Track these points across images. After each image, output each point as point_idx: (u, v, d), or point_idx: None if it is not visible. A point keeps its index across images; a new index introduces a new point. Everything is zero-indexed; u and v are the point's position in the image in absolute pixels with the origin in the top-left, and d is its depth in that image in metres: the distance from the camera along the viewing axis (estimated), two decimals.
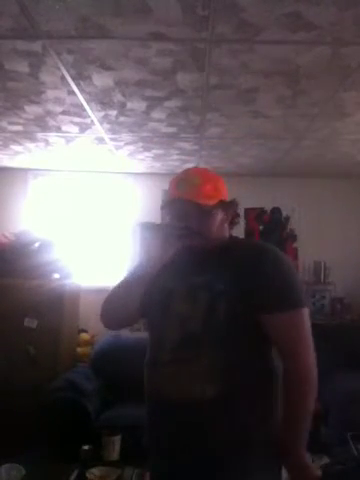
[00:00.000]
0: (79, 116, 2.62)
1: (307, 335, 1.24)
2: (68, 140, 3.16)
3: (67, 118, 2.67)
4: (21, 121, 2.74)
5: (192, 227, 1.28)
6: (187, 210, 1.28)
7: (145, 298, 1.34)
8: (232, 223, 1.41)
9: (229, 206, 1.36)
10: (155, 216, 4.17)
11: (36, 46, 1.79)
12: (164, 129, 2.85)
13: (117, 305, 1.38)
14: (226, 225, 1.38)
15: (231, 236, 1.41)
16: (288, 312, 1.21)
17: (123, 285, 1.37)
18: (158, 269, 1.31)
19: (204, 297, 1.25)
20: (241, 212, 4.17)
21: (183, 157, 3.58)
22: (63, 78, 2.08)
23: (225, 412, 1.20)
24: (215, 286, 1.24)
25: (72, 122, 2.74)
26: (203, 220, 1.30)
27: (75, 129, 2.88)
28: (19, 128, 2.89)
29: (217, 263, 1.30)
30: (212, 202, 1.29)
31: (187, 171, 1.39)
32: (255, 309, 1.22)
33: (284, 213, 4.21)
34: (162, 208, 1.39)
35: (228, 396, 1.20)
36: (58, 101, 2.38)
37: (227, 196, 1.36)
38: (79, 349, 3.65)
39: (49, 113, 2.58)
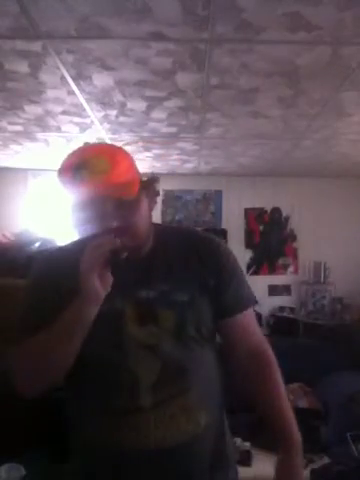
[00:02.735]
0: (79, 116, 2.62)
1: (258, 327, 1.21)
2: (68, 140, 3.16)
3: (67, 118, 2.67)
4: (21, 121, 2.74)
5: (120, 228, 0.95)
6: (105, 210, 0.94)
7: None
8: (152, 208, 1.08)
9: (150, 186, 1.04)
10: (156, 216, 4.21)
11: (36, 46, 1.78)
12: (164, 129, 2.85)
13: (49, 365, 0.98)
14: (149, 214, 1.07)
15: (154, 225, 1.12)
16: (250, 309, 1.16)
17: (58, 337, 0.95)
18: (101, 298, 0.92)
19: (168, 316, 1.02)
20: (241, 212, 4.21)
21: (183, 157, 3.58)
22: (63, 78, 2.08)
23: (215, 431, 1.11)
24: (177, 298, 1.03)
25: (72, 122, 2.74)
26: (129, 217, 0.98)
27: (75, 129, 2.88)
28: (19, 128, 2.89)
29: (163, 264, 1.06)
30: (133, 190, 0.97)
31: (84, 152, 0.97)
32: (221, 314, 1.10)
33: (284, 213, 4.21)
34: (73, 213, 1.03)
35: (215, 416, 1.11)
36: (58, 101, 2.38)
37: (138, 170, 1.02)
38: None
39: (49, 113, 2.58)
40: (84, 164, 0.92)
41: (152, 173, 1.06)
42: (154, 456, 1.00)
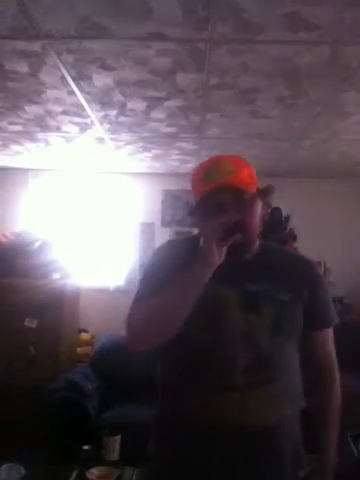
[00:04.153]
0: (79, 116, 2.62)
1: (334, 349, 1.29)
2: (68, 140, 3.16)
3: (67, 118, 2.67)
4: (21, 121, 2.74)
5: (241, 220, 1.06)
6: (229, 200, 1.08)
7: None
8: (264, 216, 1.20)
9: (266, 195, 1.17)
10: (156, 216, 4.21)
11: (36, 46, 1.78)
12: (164, 129, 2.85)
13: (165, 317, 1.07)
14: (260, 219, 1.18)
15: (262, 240, 1.25)
16: (331, 328, 1.26)
17: (176, 291, 1.06)
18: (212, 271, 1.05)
19: (268, 309, 1.12)
20: None
21: (183, 157, 3.58)
22: (63, 78, 2.08)
23: (292, 427, 1.19)
24: (278, 296, 1.13)
25: (72, 122, 2.74)
26: (248, 211, 1.11)
27: (75, 129, 2.88)
28: (19, 128, 2.89)
29: (267, 268, 1.17)
30: (253, 189, 1.12)
31: (214, 161, 1.16)
32: (311, 324, 1.20)
33: (284, 213, 4.21)
34: (191, 214, 1.17)
35: (295, 412, 1.20)
36: (58, 101, 2.38)
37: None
38: (79, 349, 3.65)
39: (49, 113, 2.58)
40: (215, 167, 1.12)
41: (270, 185, 1.17)
42: (242, 434, 1.10)
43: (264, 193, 1.16)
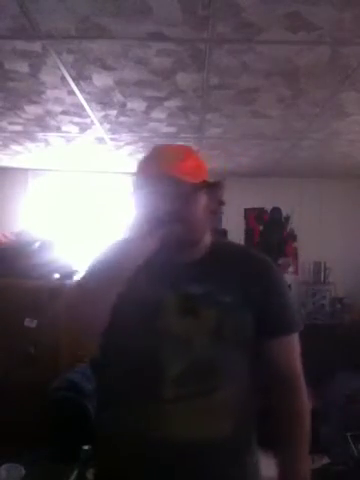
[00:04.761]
0: (79, 116, 2.62)
1: (299, 358, 1.14)
2: (68, 140, 3.16)
3: (67, 118, 2.67)
4: (21, 121, 2.74)
5: (176, 211, 1.00)
6: (167, 189, 1.00)
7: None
8: (213, 213, 1.11)
9: (214, 188, 1.09)
10: None
11: (36, 46, 1.78)
12: (164, 129, 2.85)
13: (99, 296, 0.98)
14: (207, 215, 1.10)
15: (213, 238, 1.16)
16: (291, 335, 1.12)
17: (104, 272, 1.00)
18: (135, 268, 0.98)
19: (209, 312, 1.02)
20: (241, 212, 4.21)
21: None
22: (63, 78, 2.08)
23: (239, 451, 1.05)
24: (221, 298, 1.03)
25: (72, 122, 2.74)
26: (186, 203, 1.03)
27: (75, 129, 2.88)
28: (19, 128, 2.89)
29: (215, 268, 1.08)
30: (194, 181, 1.03)
31: (163, 147, 1.13)
32: (262, 331, 1.07)
33: (284, 213, 4.21)
34: (132, 192, 1.10)
35: (241, 433, 1.06)
36: (58, 101, 2.38)
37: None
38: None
39: (49, 113, 2.58)
40: (162, 153, 1.08)
41: (220, 180, 1.11)
42: (170, 451, 0.98)
43: (209, 186, 1.07)
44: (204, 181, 1.06)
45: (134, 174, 1.09)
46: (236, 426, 1.03)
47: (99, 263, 1.04)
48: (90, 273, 1.04)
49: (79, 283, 1.06)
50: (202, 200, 1.06)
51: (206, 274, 1.06)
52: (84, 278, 1.04)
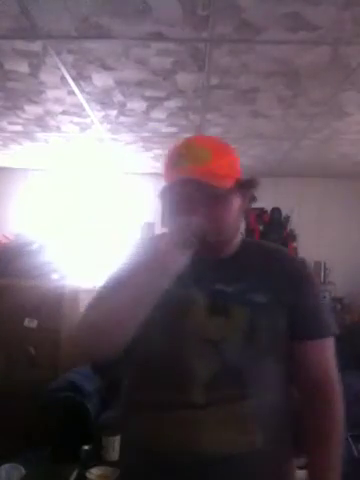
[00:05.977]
0: (79, 116, 2.62)
1: (335, 363, 1.07)
2: (68, 140, 3.16)
3: (67, 118, 2.67)
4: (21, 121, 2.74)
5: (210, 221, 0.90)
6: (196, 197, 0.91)
7: None
8: (246, 211, 1.05)
9: (248, 187, 1.00)
10: (157, 216, 4.20)
11: (36, 46, 1.78)
12: (164, 129, 2.85)
13: (111, 324, 0.88)
14: (240, 214, 1.02)
15: (244, 237, 1.10)
16: (327, 338, 1.04)
17: (128, 298, 0.89)
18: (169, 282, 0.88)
19: (241, 311, 0.95)
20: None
21: None
22: (63, 78, 2.08)
23: (272, 463, 0.97)
24: (254, 298, 0.96)
25: (72, 122, 2.74)
26: (219, 209, 0.94)
27: (75, 129, 2.88)
28: (19, 128, 2.89)
29: (246, 266, 1.01)
30: (228, 183, 0.94)
31: (189, 142, 0.98)
32: (295, 335, 1.00)
33: (284, 213, 4.21)
34: (160, 197, 0.99)
35: (276, 438, 0.98)
36: (58, 101, 2.38)
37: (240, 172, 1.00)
38: None
39: (49, 113, 2.58)
40: (188, 152, 0.93)
41: (254, 177, 1.01)
42: (198, 462, 0.92)
43: (244, 186, 0.99)
44: (237, 180, 0.96)
45: (164, 170, 0.99)
46: (268, 438, 0.96)
47: (121, 280, 0.93)
48: (112, 291, 0.93)
49: (98, 303, 0.96)
50: (236, 203, 0.98)
51: (238, 272, 1.00)
52: (104, 298, 0.95)
